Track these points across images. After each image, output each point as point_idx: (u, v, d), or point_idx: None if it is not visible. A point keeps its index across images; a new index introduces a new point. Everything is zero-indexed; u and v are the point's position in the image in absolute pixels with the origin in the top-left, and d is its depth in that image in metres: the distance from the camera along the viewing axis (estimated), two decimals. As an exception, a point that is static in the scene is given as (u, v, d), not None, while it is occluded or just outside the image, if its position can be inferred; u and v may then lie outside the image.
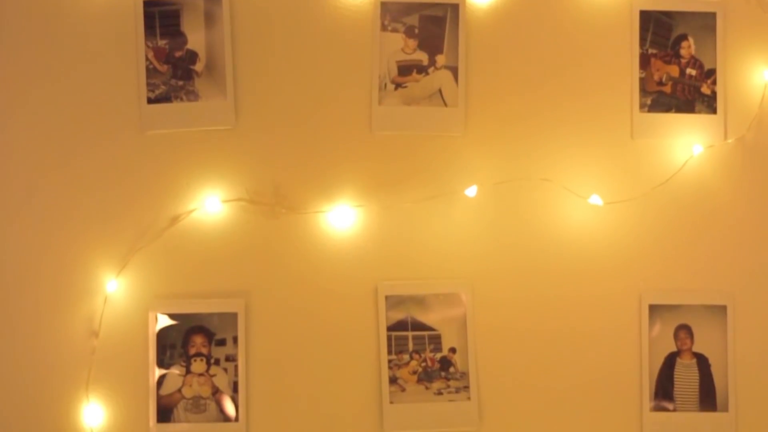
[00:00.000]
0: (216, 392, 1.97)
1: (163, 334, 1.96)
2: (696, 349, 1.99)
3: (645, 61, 2.01)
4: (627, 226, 2.00)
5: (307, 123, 1.99)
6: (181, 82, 1.98)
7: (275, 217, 1.98)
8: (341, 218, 1.97)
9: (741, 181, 2.01)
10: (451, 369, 1.98)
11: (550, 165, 1.99)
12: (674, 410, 1.98)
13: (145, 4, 1.96)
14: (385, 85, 1.99)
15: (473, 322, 1.98)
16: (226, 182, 1.98)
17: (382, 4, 1.98)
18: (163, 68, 1.98)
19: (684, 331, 1.99)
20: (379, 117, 1.99)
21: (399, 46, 1.99)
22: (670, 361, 1.99)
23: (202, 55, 1.98)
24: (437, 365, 1.98)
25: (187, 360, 1.97)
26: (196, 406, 1.97)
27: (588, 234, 2.00)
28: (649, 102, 2.01)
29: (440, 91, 1.99)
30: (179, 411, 1.96)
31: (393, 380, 1.97)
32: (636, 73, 2.01)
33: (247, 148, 1.98)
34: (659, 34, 2.01)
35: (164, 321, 1.96)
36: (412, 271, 1.99)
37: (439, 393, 1.98)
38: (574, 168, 2.00)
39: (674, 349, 1.99)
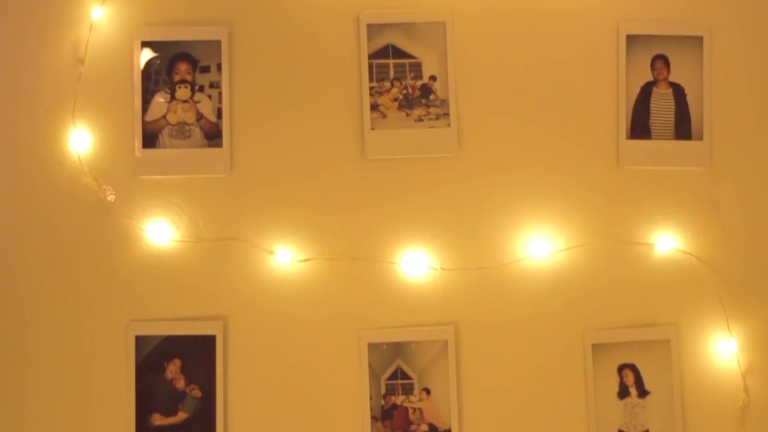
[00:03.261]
0: (200, 118, 2.00)
1: (147, 62, 1.99)
2: (672, 78, 2.02)
3: None
4: (606, -42, 2.02)
5: None
6: None
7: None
8: (323, -53, 2.00)
9: None
10: (432, 96, 2.01)
11: None
12: (650, 138, 2.01)
13: None
14: None
15: (453, 49, 2.01)
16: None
17: None
18: None
19: (660, 60, 2.02)
20: None
21: None
22: (646, 91, 2.02)
23: None
24: (418, 92, 2.01)
25: (172, 87, 2.00)
26: (181, 132, 2.00)
27: (566, -32, 2.02)
28: None
29: None
30: (164, 137, 1.99)
31: (374, 107, 2.00)
32: None
33: None
34: None
35: (149, 48, 1.99)
36: (394, -1, 2.02)
37: (420, 120, 2.01)
38: None
39: (651, 78, 2.02)
